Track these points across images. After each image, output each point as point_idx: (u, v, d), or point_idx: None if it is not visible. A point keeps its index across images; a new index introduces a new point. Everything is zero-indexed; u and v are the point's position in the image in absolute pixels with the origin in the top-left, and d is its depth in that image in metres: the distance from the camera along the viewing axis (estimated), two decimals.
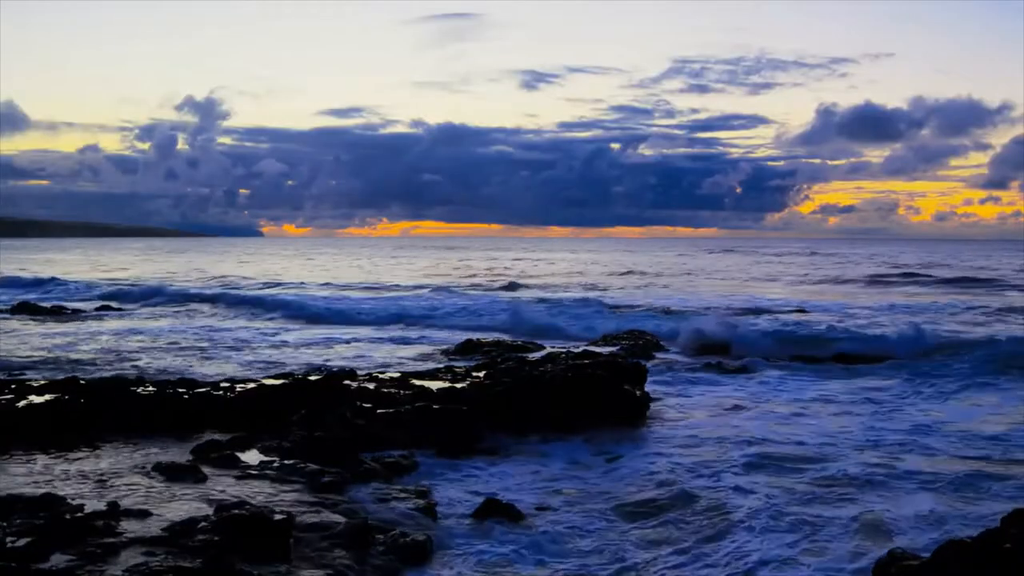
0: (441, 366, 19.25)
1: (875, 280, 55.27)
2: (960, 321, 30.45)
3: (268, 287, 49.38)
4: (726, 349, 23.07)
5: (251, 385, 15.24)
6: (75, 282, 50.66)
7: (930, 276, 56.69)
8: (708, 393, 17.54)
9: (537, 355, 19.21)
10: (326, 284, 52.46)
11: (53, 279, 52.01)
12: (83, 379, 15.13)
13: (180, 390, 14.62)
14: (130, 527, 8.19)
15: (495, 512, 9.91)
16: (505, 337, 25.46)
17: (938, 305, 36.36)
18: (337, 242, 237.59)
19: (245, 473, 10.74)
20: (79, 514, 8.40)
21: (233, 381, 15.93)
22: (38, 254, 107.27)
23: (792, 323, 27.40)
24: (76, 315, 33.39)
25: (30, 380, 15.43)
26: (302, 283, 52.69)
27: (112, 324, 30.35)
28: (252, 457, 11.58)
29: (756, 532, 9.25)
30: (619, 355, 17.89)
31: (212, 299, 39.89)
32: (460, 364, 19.59)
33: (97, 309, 36.19)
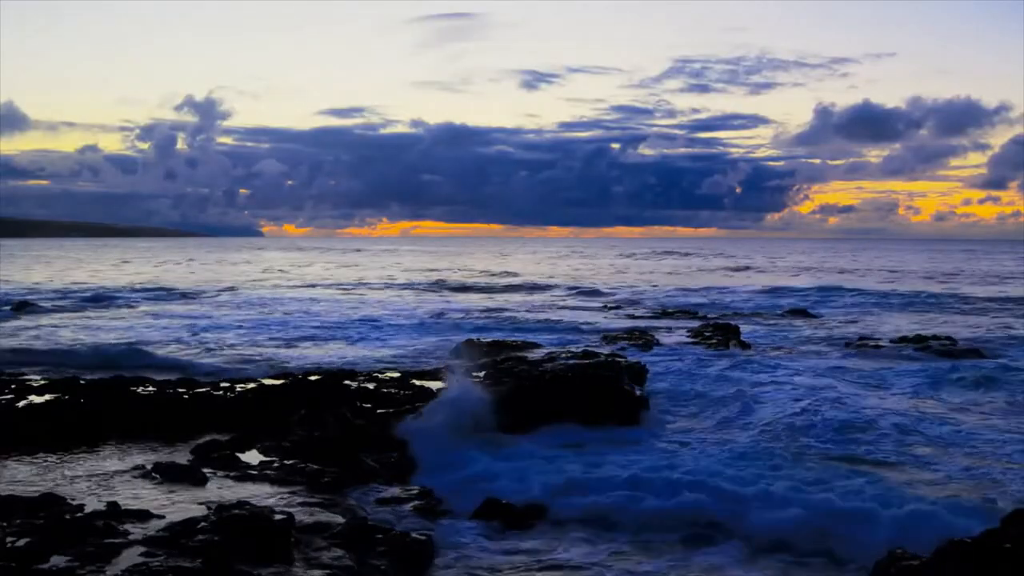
0: (441, 366, 19.23)
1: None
2: None
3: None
4: None
5: (251, 385, 15.24)
6: None
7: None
8: (704, 392, 17.48)
9: (537, 355, 19.19)
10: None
11: None
12: (83, 379, 15.14)
13: (180, 390, 14.62)
14: (130, 527, 8.18)
15: (495, 512, 9.92)
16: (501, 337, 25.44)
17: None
18: (337, 242, 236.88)
19: (245, 473, 10.73)
20: (79, 514, 8.40)
21: (233, 381, 15.93)
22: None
23: None
24: None
25: (30, 380, 15.42)
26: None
27: None
28: (252, 457, 11.58)
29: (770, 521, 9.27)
30: (619, 355, 17.88)
31: None
32: (460, 364, 19.57)
33: None
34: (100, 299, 39.61)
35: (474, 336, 24.49)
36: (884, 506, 9.77)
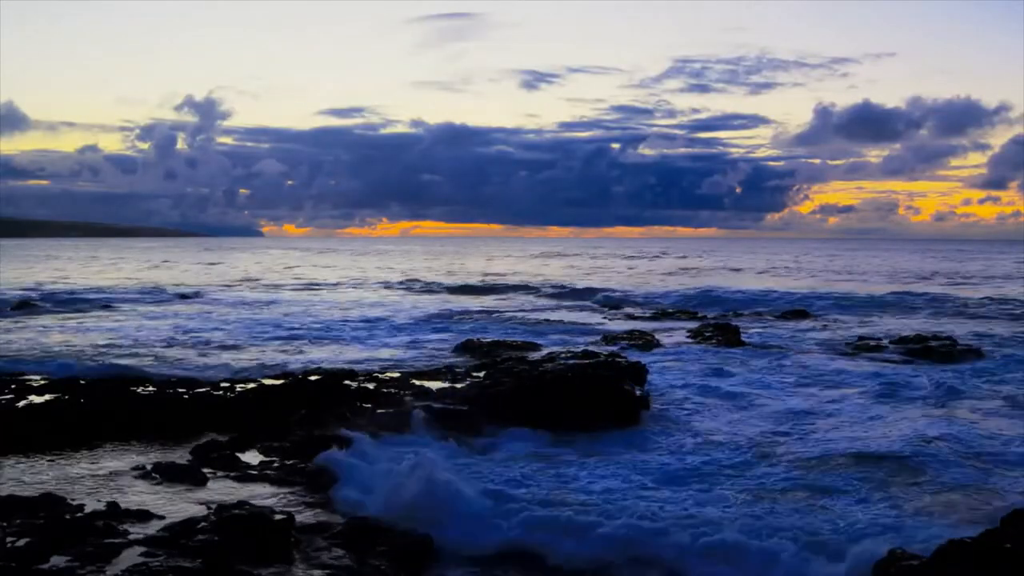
0: (441, 366, 19.24)
1: None
2: None
3: None
4: None
5: (251, 385, 15.25)
6: None
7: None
8: (704, 392, 17.50)
9: (537, 355, 19.20)
10: None
11: None
12: (83, 379, 15.14)
13: (180, 390, 14.62)
14: (130, 527, 8.20)
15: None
16: (503, 337, 25.45)
17: None
18: (337, 242, 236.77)
19: (245, 473, 10.75)
20: (79, 514, 8.42)
21: (233, 381, 15.94)
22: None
23: None
24: None
25: (30, 380, 15.43)
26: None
27: None
28: (252, 457, 11.59)
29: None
30: (619, 355, 17.88)
31: None
32: (460, 364, 19.59)
33: None
34: (99, 299, 39.44)
35: (474, 336, 24.50)
36: (883, 508, 9.78)
